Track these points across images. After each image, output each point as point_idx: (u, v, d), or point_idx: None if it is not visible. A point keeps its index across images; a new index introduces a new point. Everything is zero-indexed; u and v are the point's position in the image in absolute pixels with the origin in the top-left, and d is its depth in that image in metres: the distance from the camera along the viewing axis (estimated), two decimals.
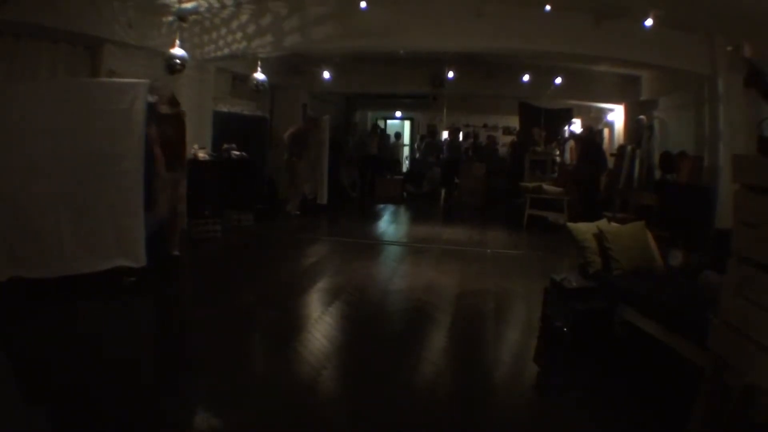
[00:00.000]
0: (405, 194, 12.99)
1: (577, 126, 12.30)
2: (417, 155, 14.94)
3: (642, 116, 9.06)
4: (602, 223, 3.98)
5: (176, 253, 5.82)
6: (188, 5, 6.58)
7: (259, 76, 8.03)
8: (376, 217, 10.41)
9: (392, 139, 14.64)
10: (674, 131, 8.35)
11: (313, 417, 2.89)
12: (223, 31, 7.34)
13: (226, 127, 8.40)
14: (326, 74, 10.35)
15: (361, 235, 8.30)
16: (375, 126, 13.63)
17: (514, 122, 13.92)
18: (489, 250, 7.32)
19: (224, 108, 8.65)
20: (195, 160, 7.36)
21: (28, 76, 5.45)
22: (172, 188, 5.63)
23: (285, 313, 4.63)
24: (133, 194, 4.76)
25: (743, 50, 4.60)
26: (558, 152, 11.14)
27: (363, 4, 6.10)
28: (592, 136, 9.71)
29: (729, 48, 6.61)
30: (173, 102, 5.57)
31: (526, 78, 10.15)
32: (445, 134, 14.22)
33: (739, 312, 2.07)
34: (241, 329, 4.20)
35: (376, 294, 5.23)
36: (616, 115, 11.67)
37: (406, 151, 15.92)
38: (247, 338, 4.07)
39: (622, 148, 9.21)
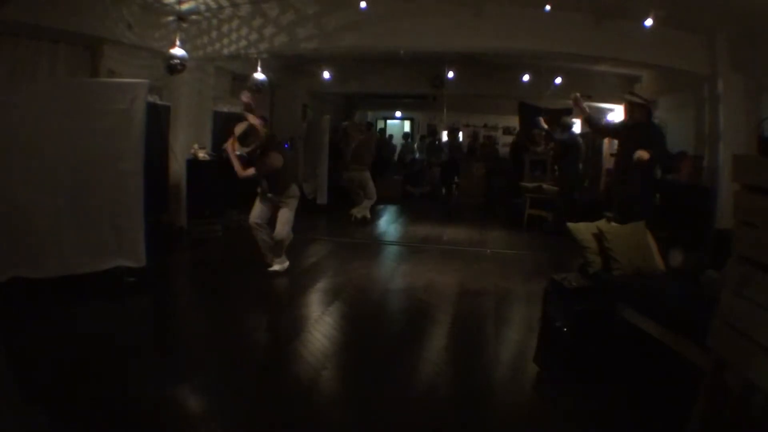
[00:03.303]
0: (404, 194, 12.98)
1: (577, 126, 12.25)
2: (417, 155, 14.92)
3: None
4: (602, 223, 3.97)
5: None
6: (188, 5, 6.58)
7: (259, 76, 8.03)
8: (375, 217, 10.40)
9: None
10: (674, 131, 8.34)
11: (314, 417, 2.89)
12: (223, 31, 7.34)
13: (226, 127, 8.37)
14: (326, 74, 10.34)
15: (361, 235, 8.30)
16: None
17: (514, 122, 13.90)
18: (489, 250, 7.32)
19: (224, 108, 8.64)
20: (195, 160, 7.37)
21: (28, 76, 5.45)
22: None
23: (285, 312, 4.63)
24: (133, 194, 4.76)
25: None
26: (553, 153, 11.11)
27: (363, 4, 6.09)
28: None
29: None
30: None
31: (526, 78, 10.14)
32: (444, 135, 14.20)
33: (739, 312, 2.06)
34: (242, 329, 4.20)
35: (377, 294, 5.23)
36: (616, 115, 11.65)
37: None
38: (248, 338, 4.06)
39: None
